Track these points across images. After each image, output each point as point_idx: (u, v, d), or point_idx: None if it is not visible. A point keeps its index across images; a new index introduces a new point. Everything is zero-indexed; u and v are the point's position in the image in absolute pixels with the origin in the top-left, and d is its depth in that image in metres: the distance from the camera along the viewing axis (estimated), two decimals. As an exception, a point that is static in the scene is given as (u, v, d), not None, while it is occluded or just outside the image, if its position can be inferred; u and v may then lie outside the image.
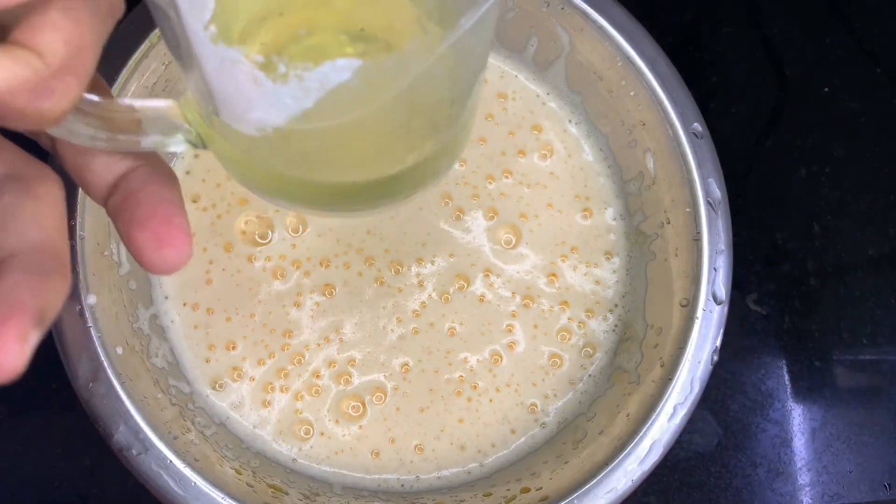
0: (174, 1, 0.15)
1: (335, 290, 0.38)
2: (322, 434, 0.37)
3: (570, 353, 0.39)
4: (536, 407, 0.38)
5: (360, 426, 0.37)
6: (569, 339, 0.39)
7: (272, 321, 0.37)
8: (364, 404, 0.38)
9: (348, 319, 0.38)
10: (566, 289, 0.39)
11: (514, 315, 0.39)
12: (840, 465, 0.43)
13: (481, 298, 0.39)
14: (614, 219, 0.40)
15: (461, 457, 0.38)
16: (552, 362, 0.39)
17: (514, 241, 0.40)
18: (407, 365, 0.38)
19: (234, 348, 0.37)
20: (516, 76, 0.41)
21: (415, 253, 0.39)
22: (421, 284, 0.39)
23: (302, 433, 0.37)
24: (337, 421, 0.37)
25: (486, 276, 0.39)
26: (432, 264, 0.39)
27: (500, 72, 0.41)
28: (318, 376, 0.37)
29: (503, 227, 0.40)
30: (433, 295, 0.39)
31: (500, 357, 0.39)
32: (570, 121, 0.41)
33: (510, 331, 0.39)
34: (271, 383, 0.37)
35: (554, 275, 0.39)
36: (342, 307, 0.38)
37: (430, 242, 0.39)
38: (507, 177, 0.40)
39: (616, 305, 0.40)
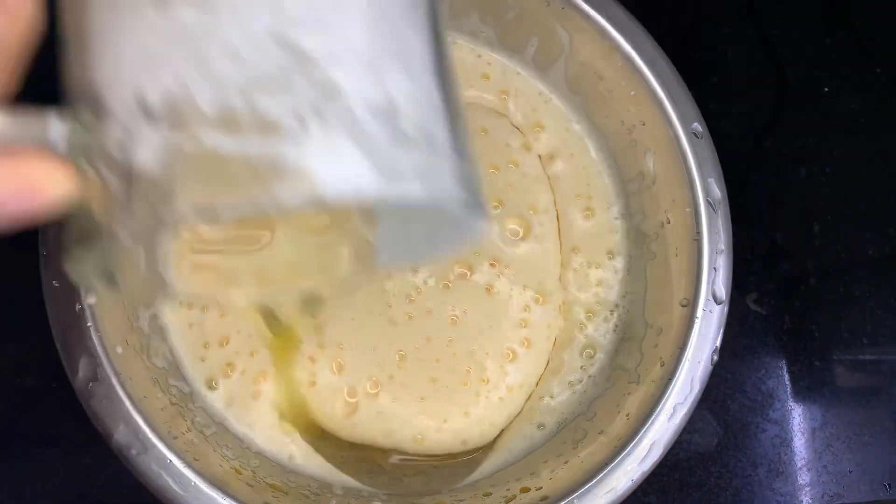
0: None
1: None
2: (319, 431, 0.37)
3: (573, 354, 0.39)
4: (538, 408, 0.38)
5: (356, 421, 0.37)
6: (573, 339, 0.39)
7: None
8: (358, 394, 0.37)
9: (327, 306, 0.37)
10: (572, 288, 0.39)
11: (527, 309, 0.39)
12: (840, 465, 0.43)
13: (488, 289, 0.38)
14: (616, 218, 0.40)
15: (461, 448, 0.37)
16: (556, 363, 0.39)
17: (520, 233, 0.39)
18: (402, 353, 0.38)
19: (227, 343, 0.37)
20: (518, 73, 0.41)
21: None
22: (415, 270, 0.38)
23: (301, 446, 0.37)
24: (331, 416, 0.37)
25: (493, 266, 0.39)
26: None
27: (502, 68, 0.41)
28: (313, 361, 0.37)
29: (510, 217, 0.39)
30: (429, 281, 0.38)
31: (514, 353, 0.38)
32: (571, 119, 0.41)
33: (524, 325, 0.38)
34: (264, 372, 0.37)
35: (560, 271, 0.39)
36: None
37: None
38: (512, 167, 0.40)
39: (617, 305, 0.39)
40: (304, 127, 0.16)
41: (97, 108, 0.16)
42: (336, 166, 0.16)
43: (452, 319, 0.38)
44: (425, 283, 0.38)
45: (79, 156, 0.17)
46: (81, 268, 0.18)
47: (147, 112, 0.16)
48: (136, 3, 0.16)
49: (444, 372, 0.38)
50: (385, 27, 0.17)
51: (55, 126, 0.17)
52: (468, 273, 0.38)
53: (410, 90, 0.17)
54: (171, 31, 0.16)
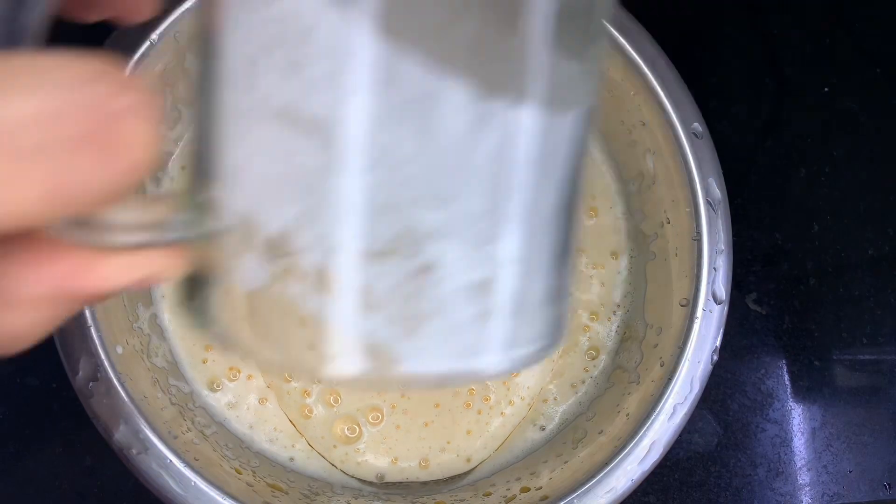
0: None
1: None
2: (320, 456, 0.37)
3: (576, 358, 0.39)
4: (540, 412, 0.38)
5: (358, 449, 0.37)
6: (578, 343, 0.39)
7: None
8: (359, 426, 0.37)
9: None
10: (577, 292, 0.39)
11: None
12: (840, 465, 0.43)
13: None
14: (618, 218, 0.40)
15: (466, 467, 0.37)
16: (559, 367, 0.39)
17: None
18: None
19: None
20: None
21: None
22: None
23: (302, 448, 0.37)
24: (334, 446, 0.37)
25: None
26: None
27: None
28: (307, 394, 0.37)
29: None
30: None
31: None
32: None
33: None
34: (265, 397, 0.37)
35: None
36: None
37: None
38: None
39: (619, 306, 0.39)
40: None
41: (214, 203, 0.15)
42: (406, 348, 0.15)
43: None
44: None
45: (193, 241, 0.16)
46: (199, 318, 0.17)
47: (251, 235, 0.15)
48: (261, 114, 0.15)
49: (448, 397, 0.37)
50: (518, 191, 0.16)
51: (173, 216, 0.15)
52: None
53: (521, 255, 0.16)
54: (288, 160, 0.15)
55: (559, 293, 0.18)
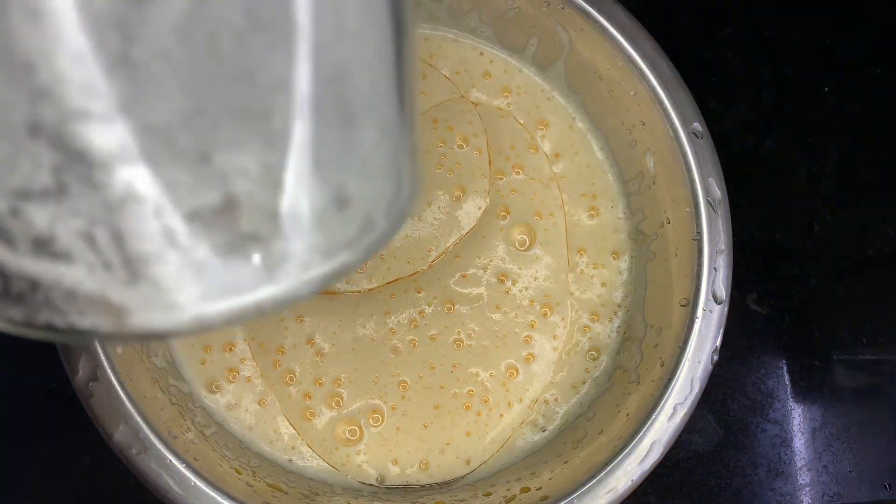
0: None
1: (318, 299, 0.37)
2: (320, 458, 0.37)
3: (577, 359, 0.39)
4: (541, 412, 0.38)
5: (359, 451, 0.37)
6: (578, 344, 0.39)
7: (263, 334, 0.37)
8: (360, 428, 0.37)
9: (330, 332, 0.37)
10: (577, 292, 0.39)
11: (532, 326, 0.38)
12: (840, 465, 0.43)
13: (496, 307, 0.38)
14: (619, 218, 0.40)
15: (466, 469, 0.37)
16: (560, 369, 0.39)
17: (528, 242, 0.39)
18: (405, 383, 0.37)
19: (231, 350, 0.37)
20: (520, 70, 0.41)
21: (411, 254, 0.38)
22: (419, 290, 0.38)
23: (301, 449, 0.37)
24: (336, 448, 0.37)
25: (501, 281, 0.39)
26: (430, 267, 0.39)
27: (504, 66, 0.41)
28: (308, 397, 0.37)
29: (517, 226, 0.39)
30: (434, 302, 0.38)
31: (516, 371, 0.38)
32: (574, 117, 0.41)
33: (528, 342, 0.38)
34: (264, 398, 0.37)
35: (567, 278, 0.39)
36: (324, 319, 0.37)
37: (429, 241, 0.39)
38: (517, 172, 0.40)
39: (619, 306, 0.39)
40: (95, 250, 0.12)
41: None
42: (144, 301, 0.13)
43: (457, 343, 0.38)
44: (429, 305, 0.38)
45: None
46: None
47: None
48: None
49: (447, 398, 0.37)
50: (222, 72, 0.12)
51: None
52: (474, 291, 0.38)
53: (259, 164, 0.13)
54: None
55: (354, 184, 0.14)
